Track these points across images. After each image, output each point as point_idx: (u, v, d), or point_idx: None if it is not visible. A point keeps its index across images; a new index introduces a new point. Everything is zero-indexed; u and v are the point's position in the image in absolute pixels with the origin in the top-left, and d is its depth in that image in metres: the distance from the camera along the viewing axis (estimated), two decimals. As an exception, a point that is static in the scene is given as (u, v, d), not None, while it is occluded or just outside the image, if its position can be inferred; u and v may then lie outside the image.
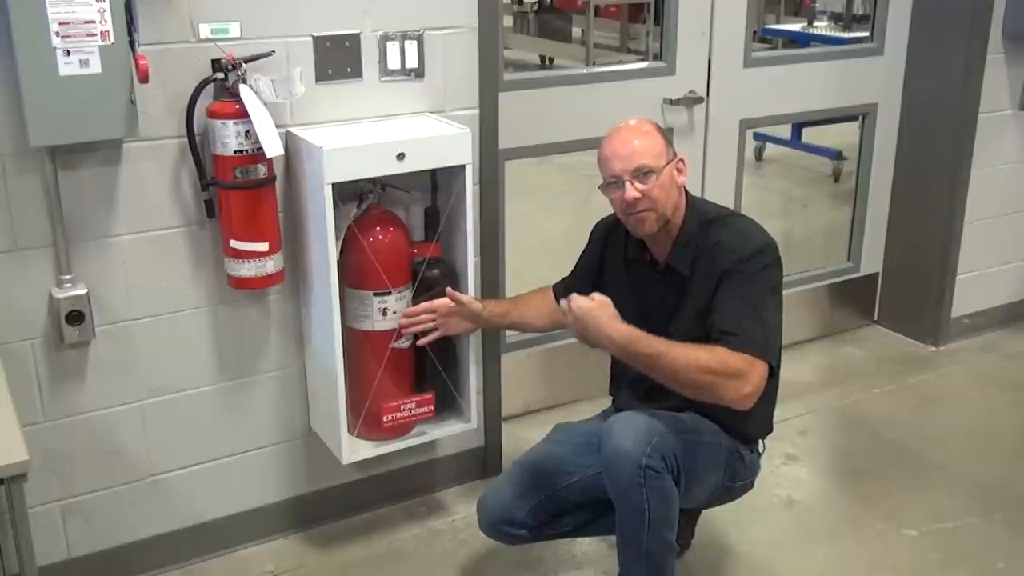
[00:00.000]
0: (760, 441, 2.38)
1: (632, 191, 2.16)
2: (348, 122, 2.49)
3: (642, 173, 2.15)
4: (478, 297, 2.62)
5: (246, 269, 2.34)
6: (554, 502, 2.35)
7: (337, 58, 2.44)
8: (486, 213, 2.73)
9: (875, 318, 4.10)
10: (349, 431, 2.52)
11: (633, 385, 2.34)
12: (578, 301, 2.09)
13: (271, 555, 2.68)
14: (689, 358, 2.01)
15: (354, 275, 2.44)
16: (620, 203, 2.20)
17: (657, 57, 3.31)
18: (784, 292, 2.22)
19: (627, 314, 2.34)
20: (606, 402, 2.53)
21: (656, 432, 2.07)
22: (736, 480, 2.31)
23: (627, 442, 2.05)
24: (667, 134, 2.23)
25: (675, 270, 2.23)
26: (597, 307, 2.08)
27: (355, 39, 2.46)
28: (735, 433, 2.27)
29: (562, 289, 2.52)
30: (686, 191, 2.26)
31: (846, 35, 5.70)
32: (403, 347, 2.52)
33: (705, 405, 2.18)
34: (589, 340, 2.09)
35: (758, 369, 2.05)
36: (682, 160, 2.23)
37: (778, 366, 2.20)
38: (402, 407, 2.49)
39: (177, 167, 2.33)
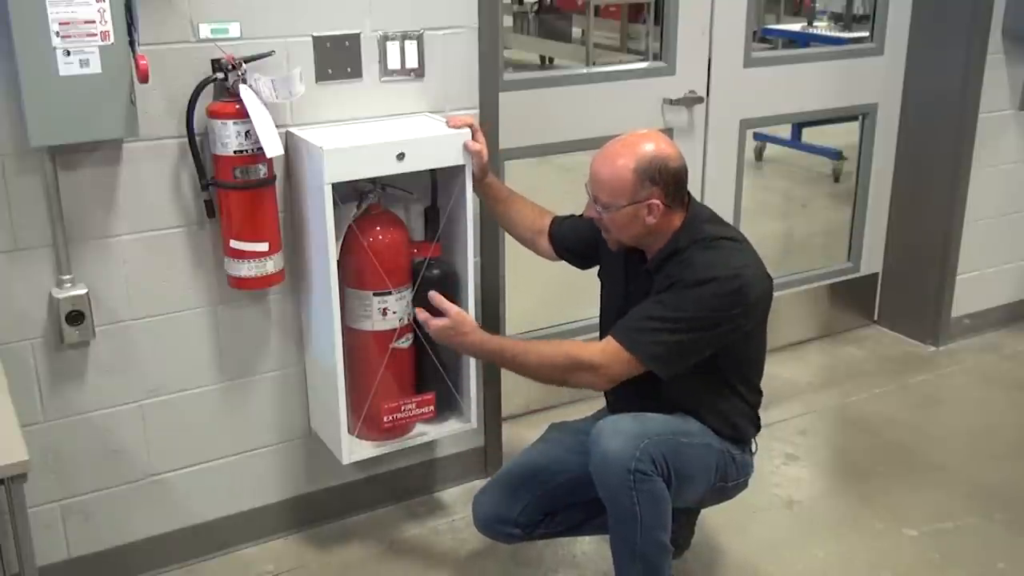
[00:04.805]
0: (752, 441, 2.38)
1: (589, 209, 2.24)
2: (348, 122, 2.49)
3: (600, 203, 2.19)
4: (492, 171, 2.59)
5: (246, 269, 2.34)
6: (547, 501, 2.36)
7: (337, 58, 2.44)
8: (486, 213, 2.73)
9: (875, 318, 4.10)
10: (349, 431, 2.52)
11: (626, 385, 2.34)
12: (433, 323, 2.24)
13: (271, 555, 2.68)
14: (539, 360, 2.18)
15: (354, 275, 2.44)
16: None
17: (657, 57, 3.31)
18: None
19: (614, 297, 2.37)
20: (604, 402, 2.53)
21: (644, 435, 2.08)
22: (728, 480, 2.31)
23: (615, 446, 2.07)
24: (660, 164, 2.13)
25: (652, 276, 2.24)
26: (451, 328, 2.23)
27: (355, 39, 2.46)
28: (722, 435, 2.27)
29: (568, 226, 2.54)
30: (692, 206, 2.23)
31: (846, 35, 5.69)
32: (403, 347, 2.52)
33: (694, 408, 2.23)
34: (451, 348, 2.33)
35: (618, 364, 2.13)
36: (657, 204, 2.13)
37: (751, 379, 2.30)
38: (402, 407, 2.49)
39: (177, 167, 2.33)
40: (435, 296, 2.26)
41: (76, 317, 2.27)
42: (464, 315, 2.27)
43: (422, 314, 2.27)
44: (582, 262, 2.55)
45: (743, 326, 2.15)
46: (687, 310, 2.10)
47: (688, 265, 2.15)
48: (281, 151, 2.26)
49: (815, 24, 6.36)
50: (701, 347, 2.13)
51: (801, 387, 3.59)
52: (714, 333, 2.12)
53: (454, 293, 2.57)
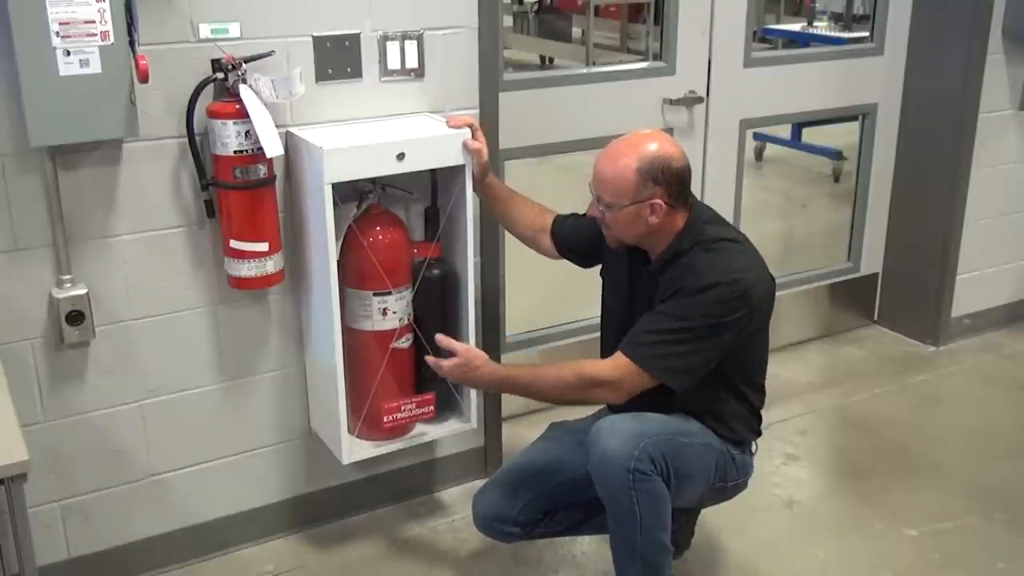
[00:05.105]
0: (752, 441, 2.38)
1: (592, 209, 2.24)
2: (348, 122, 2.49)
3: (603, 203, 2.19)
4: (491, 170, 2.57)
5: (246, 269, 2.34)
6: (546, 500, 2.37)
7: (337, 58, 2.44)
8: (486, 213, 2.73)
9: (875, 318, 4.10)
10: (349, 431, 2.52)
11: None
12: (445, 365, 2.23)
13: (271, 555, 2.68)
14: (553, 382, 2.20)
15: (354, 275, 2.44)
16: None
17: (657, 57, 3.31)
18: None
19: (617, 296, 2.37)
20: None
21: (644, 435, 2.09)
22: (728, 480, 2.31)
23: (615, 445, 2.07)
24: (663, 163, 2.13)
25: (656, 278, 2.24)
26: (464, 364, 2.22)
27: (355, 39, 2.46)
28: (722, 436, 2.27)
29: (570, 224, 2.53)
30: (694, 207, 2.23)
31: (846, 35, 5.69)
32: (403, 347, 2.52)
33: (697, 408, 2.23)
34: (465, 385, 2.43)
35: (631, 378, 2.14)
36: (660, 204, 2.13)
37: (754, 379, 2.29)
38: (402, 407, 2.49)
39: (177, 167, 2.33)
40: (442, 338, 2.26)
41: (76, 317, 2.27)
42: (473, 350, 2.27)
43: (431, 360, 2.27)
44: (584, 261, 2.55)
45: (748, 329, 2.16)
46: (692, 319, 2.10)
47: (691, 269, 2.15)
48: (281, 151, 2.26)
49: (815, 24, 6.37)
50: (710, 355, 2.14)
51: (801, 387, 3.59)
52: (721, 339, 2.12)
53: (454, 293, 2.58)
